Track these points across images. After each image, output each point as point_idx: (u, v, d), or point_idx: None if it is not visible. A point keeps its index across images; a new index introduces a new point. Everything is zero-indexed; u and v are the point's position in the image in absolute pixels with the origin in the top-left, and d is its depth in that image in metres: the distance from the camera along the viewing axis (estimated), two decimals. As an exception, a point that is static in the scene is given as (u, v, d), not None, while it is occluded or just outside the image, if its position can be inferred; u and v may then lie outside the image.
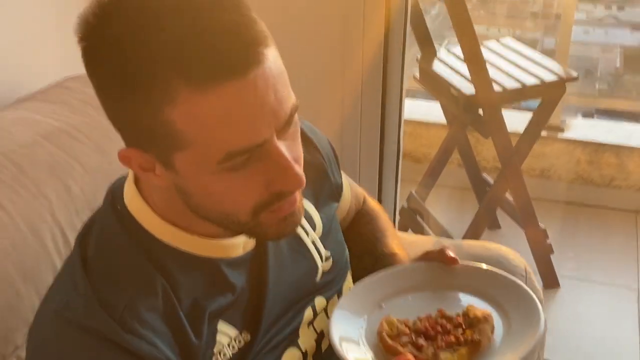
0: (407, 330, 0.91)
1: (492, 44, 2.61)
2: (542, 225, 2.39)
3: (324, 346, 1.01)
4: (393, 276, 1.03)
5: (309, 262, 1.01)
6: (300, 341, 0.98)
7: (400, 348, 0.88)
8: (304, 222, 1.00)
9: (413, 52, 2.48)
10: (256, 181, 0.77)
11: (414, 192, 2.57)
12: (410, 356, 0.86)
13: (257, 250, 0.93)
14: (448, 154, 2.60)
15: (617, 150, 2.87)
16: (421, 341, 0.89)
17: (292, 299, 0.97)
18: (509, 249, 1.41)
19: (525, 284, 1.28)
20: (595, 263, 2.62)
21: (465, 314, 0.92)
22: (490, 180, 2.53)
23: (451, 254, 1.02)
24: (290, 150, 0.78)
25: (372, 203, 1.29)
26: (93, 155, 1.21)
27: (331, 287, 1.04)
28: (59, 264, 1.09)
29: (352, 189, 1.22)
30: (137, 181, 0.86)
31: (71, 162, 1.17)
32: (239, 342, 0.90)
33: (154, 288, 0.82)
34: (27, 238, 1.07)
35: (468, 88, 2.25)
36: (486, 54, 2.42)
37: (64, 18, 1.42)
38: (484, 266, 1.02)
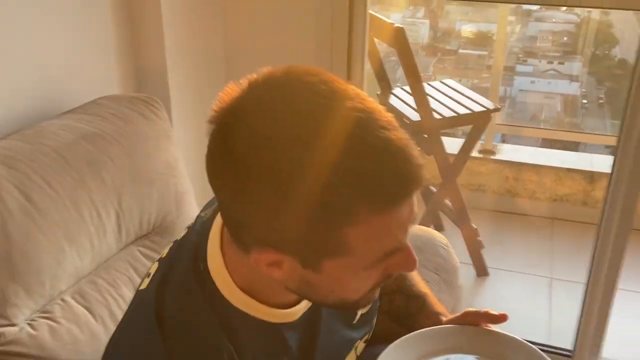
0: None
1: (436, 83, 2.72)
2: (474, 225, 2.47)
3: None
4: (436, 334, 0.92)
5: (353, 314, 0.93)
6: None
7: None
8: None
9: (373, 88, 2.63)
10: (381, 270, 0.71)
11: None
12: None
13: (310, 311, 0.84)
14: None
15: (537, 169, 2.98)
16: None
17: (339, 352, 0.91)
18: (434, 231, 1.48)
19: (447, 255, 1.41)
20: (518, 257, 2.71)
21: None
22: (434, 189, 2.60)
23: (495, 312, 0.93)
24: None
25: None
26: (120, 154, 1.25)
27: (365, 325, 0.96)
28: (93, 231, 1.16)
29: None
30: (221, 246, 0.76)
31: (104, 158, 1.21)
32: None
33: (221, 354, 0.73)
34: (71, 213, 1.12)
35: (415, 116, 2.37)
36: (431, 91, 2.56)
37: (98, 49, 1.52)
38: (523, 341, 0.91)
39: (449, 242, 1.48)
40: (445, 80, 2.73)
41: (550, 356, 2.08)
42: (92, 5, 1.50)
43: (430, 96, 2.51)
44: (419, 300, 1.04)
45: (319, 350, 0.84)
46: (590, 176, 2.95)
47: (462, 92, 2.59)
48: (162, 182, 1.34)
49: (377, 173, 0.62)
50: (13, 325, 1.02)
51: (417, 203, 0.68)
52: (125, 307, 1.17)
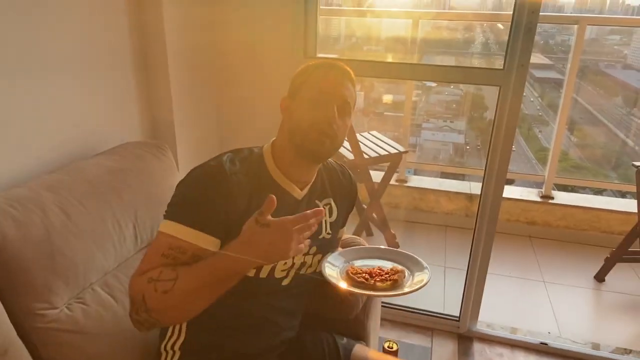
0: (361, 271, 0.97)
1: (365, 134, 2.72)
2: (393, 231, 2.48)
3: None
4: (357, 250, 1.08)
5: (320, 227, 1.02)
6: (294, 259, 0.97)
7: (356, 278, 0.94)
8: (325, 207, 1.03)
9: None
10: (316, 112, 0.89)
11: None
12: (362, 279, 0.93)
13: (303, 204, 0.98)
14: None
15: (435, 192, 3.01)
16: (367, 277, 0.95)
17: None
18: (357, 237, 1.39)
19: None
20: (423, 252, 2.70)
21: (391, 269, 0.98)
22: (365, 207, 2.58)
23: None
24: (338, 117, 0.91)
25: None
26: (136, 182, 1.22)
27: (321, 248, 1.03)
28: (115, 239, 1.12)
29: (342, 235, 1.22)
30: (273, 149, 0.96)
31: (124, 185, 1.18)
32: None
33: (251, 186, 0.89)
34: (98, 225, 1.09)
35: (350, 156, 2.37)
36: (362, 139, 2.58)
37: (123, 105, 1.49)
38: (402, 250, 1.07)
39: (367, 243, 1.44)
40: (372, 132, 2.74)
41: (442, 321, 2.06)
42: (118, 69, 1.47)
43: (362, 143, 2.52)
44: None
45: None
46: (470, 197, 2.99)
47: (384, 140, 2.60)
48: (167, 202, 1.29)
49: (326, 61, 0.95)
50: (55, 308, 0.97)
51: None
52: None
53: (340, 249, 1.09)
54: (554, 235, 2.87)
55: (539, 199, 2.91)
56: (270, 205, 0.78)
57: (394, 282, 0.95)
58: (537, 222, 2.90)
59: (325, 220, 1.04)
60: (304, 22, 1.72)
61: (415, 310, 2.04)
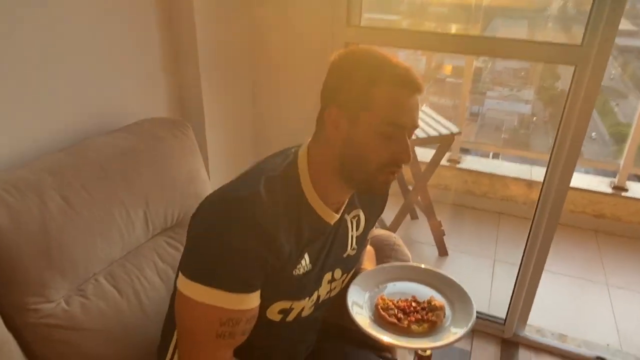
0: (393, 306, 0.88)
1: None
2: (439, 218, 2.32)
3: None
4: (386, 270, 1.00)
5: (345, 244, 0.93)
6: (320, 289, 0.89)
7: (387, 317, 0.86)
8: (353, 220, 0.94)
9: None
10: (388, 148, 0.74)
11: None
12: (393, 320, 0.86)
13: (336, 225, 0.87)
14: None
15: (491, 177, 2.80)
16: (400, 315, 0.87)
17: (334, 264, 0.90)
18: (391, 233, 1.31)
19: (395, 253, 1.24)
20: (471, 242, 2.53)
21: (429, 302, 0.89)
22: (410, 188, 2.43)
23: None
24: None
25: (370, 247, 1.15)
26: (150, 165, 1.13)
27: (347, 268, 0.94)
28: (122, 227, 1.03)
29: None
30: (310, 163, 0.81)
31: (136, 169, 1.09)
32: (307, 267, 0.83)
33: (290, 220, 0.76)
34: (103, 213, 1.00)
35: None
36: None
37: (150, 81, 1.38)
38: (444, 273, 0.97)
39: (400, 240, 1.31)
40: (424, 109, 2.49)
41: (486, 322, 1.88)
42: (145, 45, 1.37)
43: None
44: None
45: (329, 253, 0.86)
46: (529, 183, 2.74)
47: (435, 118, 2.37)
48: (184, 187, 1.20)
49: (396, 70, 0.73)
50: (50, 302, 0.91)
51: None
52: (148, 286, 1.07)
53: (366, 269, 1.00)
54: (624, 231, 2.56)
55: (610, 190, 2.59)
56: None
57: (432, 324, 0.85)
58: (605, 216, 2.60)
59: (352, 235, 0.93)
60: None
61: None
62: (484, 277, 2.18)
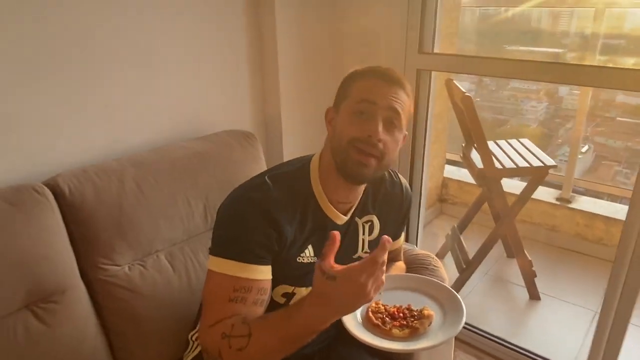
0: (383, 310, 0.91)
1: (514, 141, 2.36)
2: (528, 256, 2.12)
3: None
4: (390, 278, 1.00)
5: (355, 246, 0.98)
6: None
7: (373, 319, 0.89)
8: (365, 224, 0.98)
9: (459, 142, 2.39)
10: (359, 125, 0.82)
11: (455, 225, 2.43)
12: (377, 323, 0.88)
13: (343, 226, 0.94)
14: (478, 205, 2.40)
15: (606, 220, 2.49)
16: (387, 319, 0.89)
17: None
18: (431, 254, 1.29)
19: (433, 273, 1.23)
20: (574, 290, 2.25)
21: (420, 311, 0.90)
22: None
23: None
24: (384, 131, 0.82)
25: (402, 264, 1.18)
26: (215, 167, 1.29)
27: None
28: (184, 214, 1.21)
29: (401, 246, 1.16)
30: (320, 166, 0.91)
31: (201, 168, 1.26)
32: (311, 258, 0.90)
33: (294, 209, 0.86)
34: (168, 200, 1.18)
35: (480, 164, 2.06)
36: (505, 146, 2.27)
37: (238, 97, 1.59)
38: (441, 283, 0.98)
39: (439, 262, 1.29)
40: (522, 140, 2.36)
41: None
42: (235, 66, 1.58)
43: (502, 150, 2.22)
44: None
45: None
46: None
47: (530, 149, 2.23)
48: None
49: (376, 67, 0.87)
50: (117, 265, 1.12)
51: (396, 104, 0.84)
52: (199, 268, 1.23)
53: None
54: None
55: None
56: (332, 248, 0.70)
57: (414, 330, 0.86)
58: None
59: (363, 239, 0.98)
60: (420, 10, 1.58)
61: (528, 353, 1.72)
62: (579, 329, 1.94)
